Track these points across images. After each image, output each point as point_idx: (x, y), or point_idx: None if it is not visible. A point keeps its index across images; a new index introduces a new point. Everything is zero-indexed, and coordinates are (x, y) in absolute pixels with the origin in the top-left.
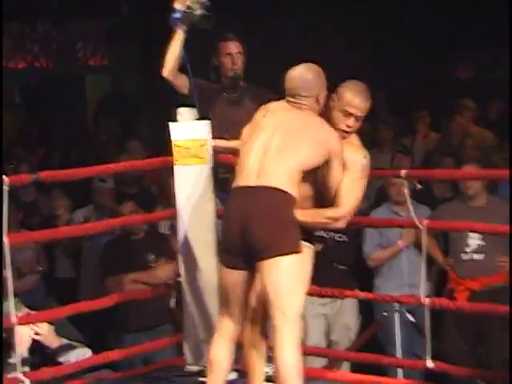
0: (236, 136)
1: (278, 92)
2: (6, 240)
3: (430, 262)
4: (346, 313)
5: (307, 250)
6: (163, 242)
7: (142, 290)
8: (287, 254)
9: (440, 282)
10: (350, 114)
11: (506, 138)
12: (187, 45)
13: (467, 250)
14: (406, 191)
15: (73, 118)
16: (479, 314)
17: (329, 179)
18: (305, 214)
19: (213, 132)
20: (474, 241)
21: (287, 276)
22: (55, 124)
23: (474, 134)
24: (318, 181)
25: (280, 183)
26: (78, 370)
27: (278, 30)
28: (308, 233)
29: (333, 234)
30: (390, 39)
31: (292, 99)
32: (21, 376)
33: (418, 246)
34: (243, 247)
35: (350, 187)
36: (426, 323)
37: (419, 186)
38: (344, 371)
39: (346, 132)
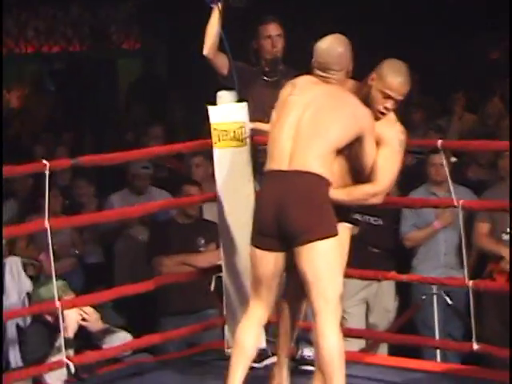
0: None
1: None
2: (47, 224)
3: (469, 243)
4: (384, 295)
5: (345, 231)
6: (213, 229)
7: (183, 273)
8: (324, 238)
9: (479, 264)
10: (390, 97)
11: None
12: (227, 27)
13: (508, 229)
14: (445, 165)
15: (105, 103)
16: None
17: (362, 155)
18: (341, 192)
19: (251, 115)
20: None
21: (326, 260)
22: (88, 109)
23: None
24: (351, 157)
25: (313, 166)
26: (120, 354)
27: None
28: (345, 213)
29: (368, 217)
30: (423, 20)
31: (322, 73)
32: (65, 359)
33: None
34: (278, 231)
35: (386, 162)
36: (471, 305)
37: (454, 159)
38: (382, 354)
39: (382, 113)
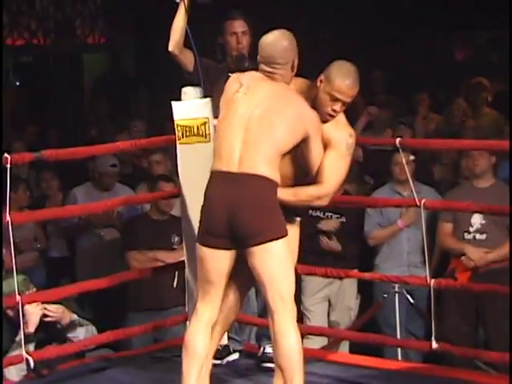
0: None
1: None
2: (8, 219)
3: (432, 242)
4: (346, 293)
5: (294, 227)
6: None
7: (146, 269)
8: (276, 239)
9: (442, 263)
10: (338, 100)
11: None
12: (193, 23)
13: (470, 229)
14: (406, 166)
15: (70, 98)
16: (482, 294)
17: (309, 157)
18: (287, 193)
19: (216, 111)
20: (477, 220)
21: (279, 261)
22: (52, 102)
23: (486, 116)
24: (297, 158)
25: (262, 169)
26: (82, 349)
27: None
28: (292, 209)
29: (330, 214)
30: (388, 20)
31: (267, 68)
32: (25, 354)
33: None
34: (229, 232)
35: (333, 165)
36: (432, 304)
37: (412, 157)
38: (344, 352)
39: (331, 115)
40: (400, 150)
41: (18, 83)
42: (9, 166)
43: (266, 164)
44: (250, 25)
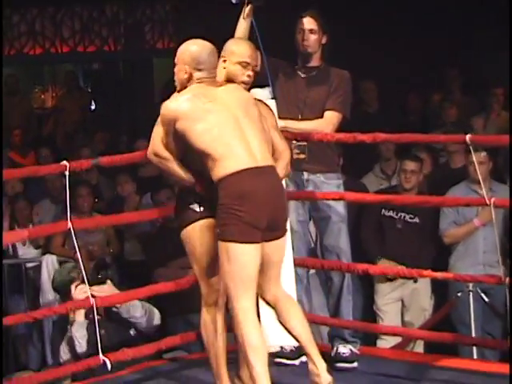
0: (308, 117)
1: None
2: (69, 225)
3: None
4: (420, 294)
5: None
6: None
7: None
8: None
9: None
10: (247, 64)
11: None
12: (265, 22)
13: None
14: (477, 164)
15: (140, 102)
16: None
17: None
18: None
19: (286, 110)
20: None
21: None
22: (123, 108)
23: None
24: None
25: (272, 161)
26: (157, 351)
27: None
28: None
29: (404, 214)
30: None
31: (210, 75)
32: (102, 356)
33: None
34: (267, 224)
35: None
36: (507, 301)
37: (484, 154)
38: (419, 352)
39: (247, 83)
40: (471, 148)
41: (89, 90)
42: (67, 173)
43: (271, 154)
44: (321, 24)
